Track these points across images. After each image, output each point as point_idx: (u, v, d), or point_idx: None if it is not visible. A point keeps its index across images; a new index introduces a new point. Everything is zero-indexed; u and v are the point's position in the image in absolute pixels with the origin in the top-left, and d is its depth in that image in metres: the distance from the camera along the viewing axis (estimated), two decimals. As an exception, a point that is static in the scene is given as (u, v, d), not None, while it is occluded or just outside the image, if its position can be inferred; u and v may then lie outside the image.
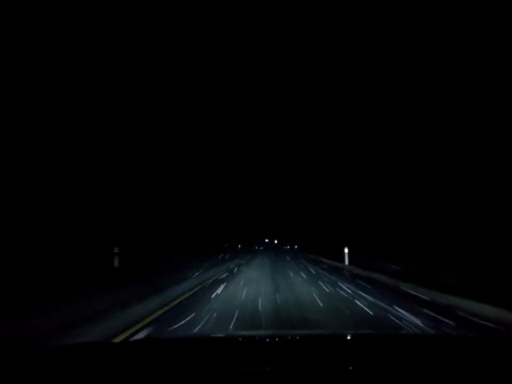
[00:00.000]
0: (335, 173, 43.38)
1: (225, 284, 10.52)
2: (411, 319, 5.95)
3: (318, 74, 44.49)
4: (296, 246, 63.11)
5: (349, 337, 2.12)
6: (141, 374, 1.22)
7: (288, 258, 29.55)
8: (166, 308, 6.71)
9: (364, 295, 8.57)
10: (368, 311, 6.74)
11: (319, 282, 11.20)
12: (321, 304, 7.33)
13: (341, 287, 10.09)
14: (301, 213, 71.72)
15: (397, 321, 5.88)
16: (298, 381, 1.18)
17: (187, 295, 8.36)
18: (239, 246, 61.38)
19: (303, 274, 14.20)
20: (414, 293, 8.86)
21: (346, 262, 18.00)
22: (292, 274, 14.01)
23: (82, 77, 18.32)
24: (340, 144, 38.64)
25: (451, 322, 5.78)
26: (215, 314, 6.18)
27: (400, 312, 6.58)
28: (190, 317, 5.93)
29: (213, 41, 43.04)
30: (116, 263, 14.68)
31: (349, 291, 9.24)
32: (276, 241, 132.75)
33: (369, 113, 27.28)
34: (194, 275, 12.96)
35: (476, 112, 16.98)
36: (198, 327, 5.27)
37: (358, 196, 32.79)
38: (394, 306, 7.08)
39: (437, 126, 19.07)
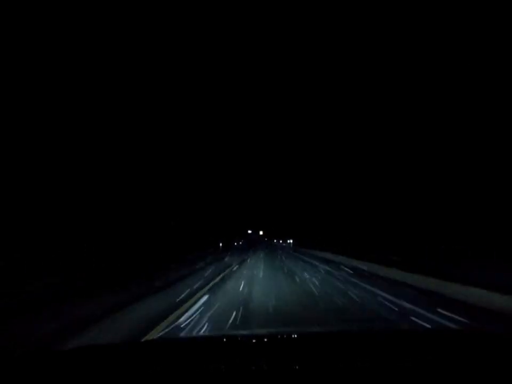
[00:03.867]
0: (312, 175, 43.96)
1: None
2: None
3: (318, 74, 44.53)
4: None
5: (348, 335, 2.10)
6: (138, 376, 1.22)
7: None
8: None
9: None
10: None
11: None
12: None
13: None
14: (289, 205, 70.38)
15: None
16: (298, 380, 1.17)
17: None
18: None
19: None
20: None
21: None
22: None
23: (82, 76, 18.22)
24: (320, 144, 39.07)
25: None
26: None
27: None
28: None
29: (213, 41, 42.77)
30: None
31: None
32: (261, 233, 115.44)
33: (365, 113, 27.42)
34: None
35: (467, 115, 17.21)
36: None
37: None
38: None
39: (427, 129, 19.37)
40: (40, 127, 15.56)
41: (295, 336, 2.04)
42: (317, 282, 11.73)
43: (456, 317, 6.65)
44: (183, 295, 8.90)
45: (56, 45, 16.48)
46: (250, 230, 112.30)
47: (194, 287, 10.42)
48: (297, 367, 1.27)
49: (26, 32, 14.89)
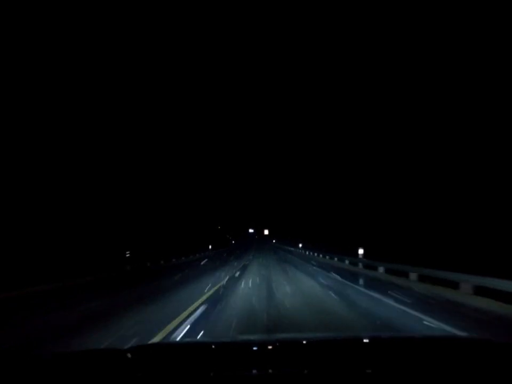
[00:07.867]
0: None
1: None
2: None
3: (318, 74, 44.40)
4: None
5: (351, 341, 2.06)
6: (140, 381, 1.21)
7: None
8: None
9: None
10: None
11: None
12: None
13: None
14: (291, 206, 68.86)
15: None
16: None
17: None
18: None
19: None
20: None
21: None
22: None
23: (83, 77, 18.26)
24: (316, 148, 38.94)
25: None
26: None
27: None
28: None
29: (212, 42, 42.91)
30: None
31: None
32: (266, 232, 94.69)
33: (363, 114, 27.32)
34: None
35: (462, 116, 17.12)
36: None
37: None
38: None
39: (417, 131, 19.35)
40: (40, 127, 15.59)
41: (295, 343, 2.01)
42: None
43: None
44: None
45: (55, 45, 16.48)
46: (252, 229, 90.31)
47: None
48: (297, 374, 1.26)
49: (26, 32, 14.86)
